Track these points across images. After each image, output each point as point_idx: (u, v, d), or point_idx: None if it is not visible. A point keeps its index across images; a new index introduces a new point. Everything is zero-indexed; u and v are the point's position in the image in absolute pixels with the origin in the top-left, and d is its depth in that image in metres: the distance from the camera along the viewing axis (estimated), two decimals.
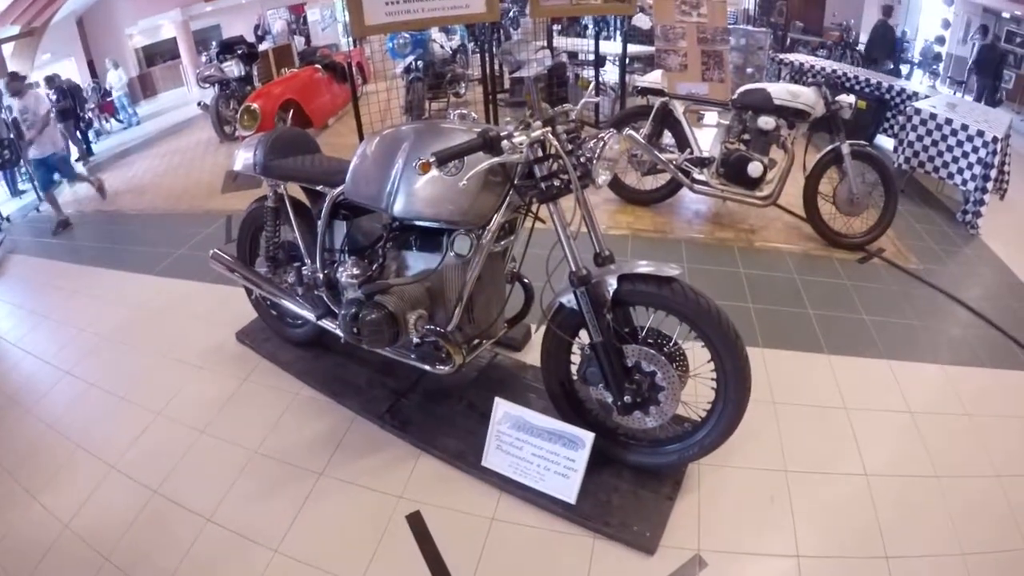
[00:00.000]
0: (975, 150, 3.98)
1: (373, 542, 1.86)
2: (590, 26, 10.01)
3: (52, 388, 2.92)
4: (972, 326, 2.98)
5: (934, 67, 10.26)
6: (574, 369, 1.93)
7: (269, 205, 2.49)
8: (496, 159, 1.60)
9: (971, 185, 4.04)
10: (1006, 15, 8.95)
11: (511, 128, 1.69)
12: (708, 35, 5.10)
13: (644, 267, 1.69)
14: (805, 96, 3.50)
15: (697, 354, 1.79)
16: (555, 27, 8.53)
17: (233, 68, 7.43)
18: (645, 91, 3.99)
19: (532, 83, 5.10)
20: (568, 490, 1.83)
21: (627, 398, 1.78)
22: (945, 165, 4.22)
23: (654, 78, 4.00)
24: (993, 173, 3.96)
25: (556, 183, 1.74)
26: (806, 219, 3.69)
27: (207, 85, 7.44)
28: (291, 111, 6.44)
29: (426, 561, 1.77)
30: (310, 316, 2.41)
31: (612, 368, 1.77)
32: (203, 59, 8.92)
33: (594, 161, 1.77)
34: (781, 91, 3.56)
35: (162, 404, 2.63)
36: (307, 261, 2.38)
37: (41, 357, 3.23)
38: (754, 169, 3.58)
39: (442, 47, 6.59)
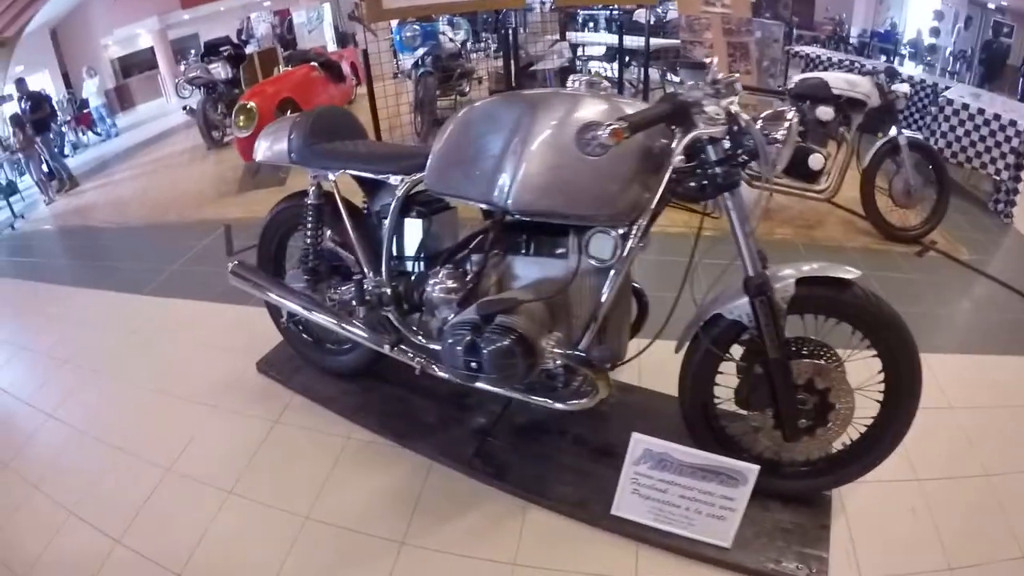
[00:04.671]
0: (1007, 139, 3.96)
1: None
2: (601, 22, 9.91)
3: (32, 436, 2.35)
4: None
5: (928, 59, 10.19)
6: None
7: (311, 202, 1.99)
8: (695, 132, 1.35)
9: (1004, 175, 4.01)
10: (991, 6, 8.88)
11: (698, 95, 1.38)
12: (733, 26, 4.82)
13: (820, 269, 1.49)
14: (862, 85, 3.42)
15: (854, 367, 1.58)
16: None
17: (220, 70, 6.91)
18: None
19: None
20: (724, 533, 1.58)
21: (802, 421, 1.57)
22: (978, 155, 4.19)
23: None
24: None
25: (735, 168, 1.43)
26: (863, 215, 3.58)
27: (192, 88, 6.93)
28: (287, 112, 5.95)
29: None
30: (376, 345, 1.92)
31: (786, 388, 1.55)
32: (182, 68, 8.42)
33: (780, 144, 1.43)
34: (839, 80, 3.47)
35: (172, 456, 2.08)
36: (368, 272, 1.90)
37: (18, 396, 2.64)
38: (815, 161, 3.42)
39: (451, 40, 6.13)
